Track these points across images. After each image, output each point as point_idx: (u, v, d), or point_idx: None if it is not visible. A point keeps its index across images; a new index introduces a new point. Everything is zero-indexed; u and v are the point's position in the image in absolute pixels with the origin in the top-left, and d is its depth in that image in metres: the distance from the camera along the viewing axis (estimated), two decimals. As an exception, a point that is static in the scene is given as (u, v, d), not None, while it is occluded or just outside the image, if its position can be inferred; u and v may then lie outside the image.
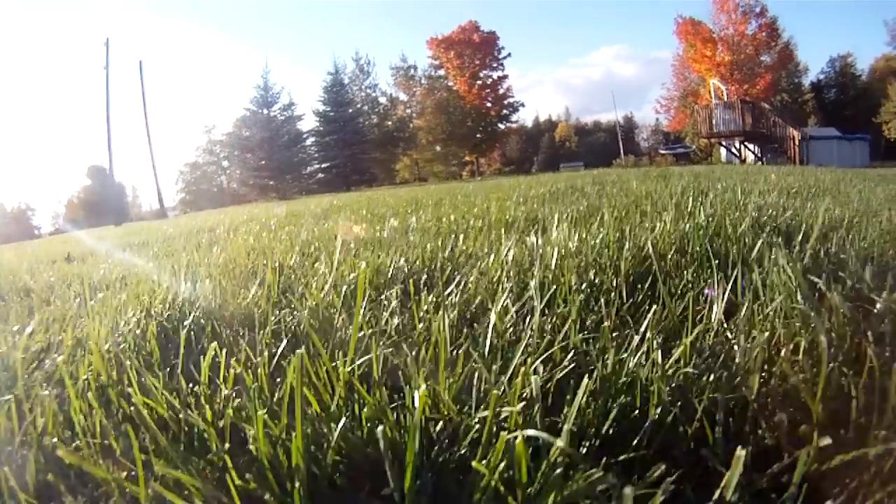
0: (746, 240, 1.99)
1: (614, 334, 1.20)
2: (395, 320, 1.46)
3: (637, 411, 0.95)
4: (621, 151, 50.48)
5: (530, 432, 0.74)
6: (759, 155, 22.09)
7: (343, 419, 0.87)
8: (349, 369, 1.01)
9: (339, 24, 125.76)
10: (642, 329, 1.14)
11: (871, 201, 3.65)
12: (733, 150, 24.03)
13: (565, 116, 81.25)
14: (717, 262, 1.64)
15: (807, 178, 6.18)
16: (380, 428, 0.79)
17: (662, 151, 36.81)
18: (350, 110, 26.86)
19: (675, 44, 36.08)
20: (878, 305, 1.12)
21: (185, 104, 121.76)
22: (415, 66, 38.77)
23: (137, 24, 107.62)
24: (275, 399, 1.01)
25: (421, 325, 1.39)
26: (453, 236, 2.74)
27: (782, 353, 1.06)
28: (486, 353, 1.15)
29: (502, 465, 0.75)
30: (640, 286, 1.65)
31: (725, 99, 25.21)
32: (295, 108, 24.37)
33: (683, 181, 5.90)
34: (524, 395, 0.92)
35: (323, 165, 25.42)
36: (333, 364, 1.04)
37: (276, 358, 1.23)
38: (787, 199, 3.75)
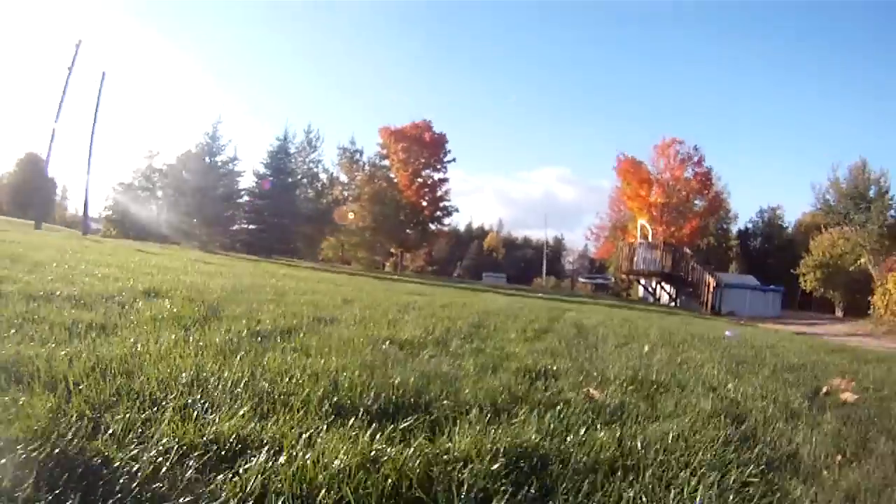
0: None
1: None
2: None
3: None
4: (544, 272, 52.48)
5: None
6: (674, 296, 23.25)
7: None
8: None
9: (300, 87, 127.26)
10: None
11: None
12: (650, 288, 25.45)
13: (498, 227, 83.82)
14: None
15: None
16: None
17: (582, 280, 38.42)
18: (290, 180, 26.97)
19: (614, 178, 37.46)
20: None
21: (134, 122, 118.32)
22: (361, 150, 39.43)
23: (109, 27, 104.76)
24: None
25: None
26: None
27: None
28: None
29: None
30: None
31: (650, 239, 26.71)
32: (237, 164, 24.43)
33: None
34: None
35: (250, 227, 25.17)
36: None
37: None
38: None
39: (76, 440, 1.71)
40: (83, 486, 1.51)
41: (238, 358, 2.77)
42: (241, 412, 2.02)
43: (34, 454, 1.59)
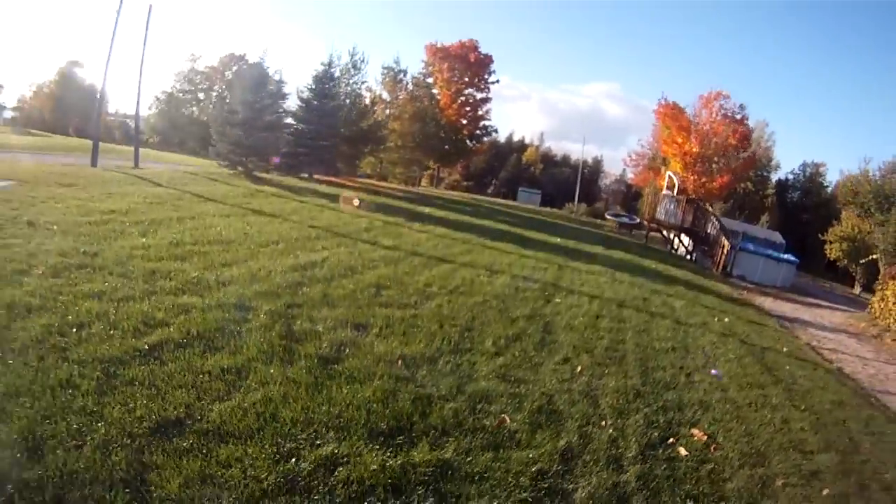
0: None
1: None
2: None
3: None
4: (576, 197, 52.83)
5: None
6: (691, 249, 23.99)
7: None
8: None
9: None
10: None
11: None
12: (670, 237, 26.38)
13: (539, 140, 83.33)
14: None
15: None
16: None
17: (609, 216, 38.89)
18: (333, 104, 27.77)
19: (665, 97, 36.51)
20: None
21: (175, 27, 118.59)
22: (405, 70, 39.62)
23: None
24: None
25: None
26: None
27: None
28: None
29: None
30: None
31: (675, 192, 27.36)
32: (286, 99, 25.28)
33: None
34: None
35: (297, 150, 26.34)
36: None
37: None
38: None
39: None
40: None
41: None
42: None
43: None
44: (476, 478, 3.55)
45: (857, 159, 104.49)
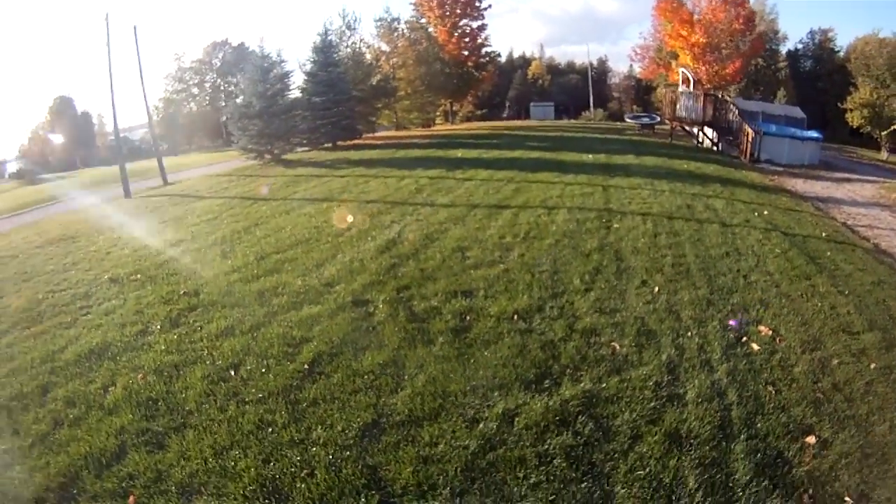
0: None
1: None
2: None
3: None
4: (591, 104, 52.52)
5: None
6: (716, 141, 24.23)
7: None
8: None
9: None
10: None
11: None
12: (693, 132, 26.64)
13: (539, 53, 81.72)
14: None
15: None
16: None
17: (629, 119, 38.82)
18: (338, 69, 28.08)
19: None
20: None
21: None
22: (398, 18, 39.53)
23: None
24: None
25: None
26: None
27: None
28: None
29: None
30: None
31: (691, 87, 27.28)
32: (291, 78, 25.66)
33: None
34: None
35: (315, 123, 26.94)
36: None
37: None
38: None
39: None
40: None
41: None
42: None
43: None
44: (614, 399, 4.53)
45: (864, 24, 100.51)
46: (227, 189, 16.80)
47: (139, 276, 8.17)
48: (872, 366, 5.27)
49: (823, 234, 10.36)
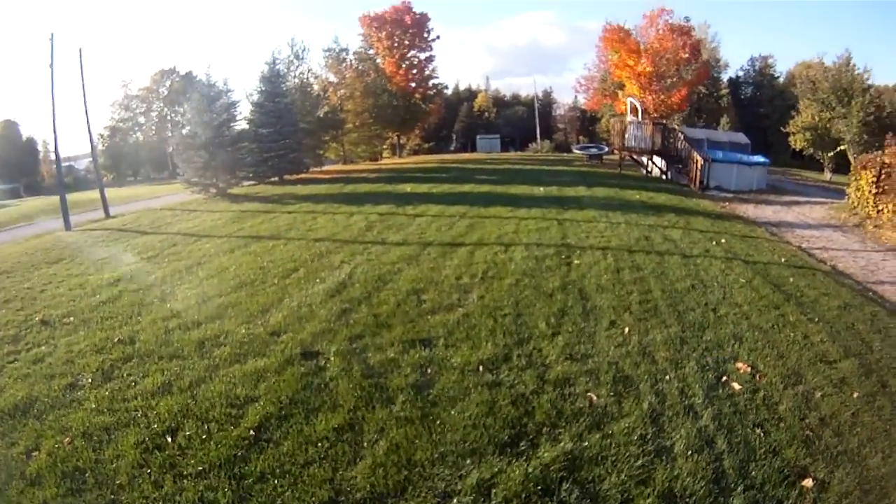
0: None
1: None
2: None
3: None
4: (538, 136, 53.19)
5: None
6: (665, 169, 24.62)
7: None
8: None
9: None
10: None
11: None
12: (642, 161, 26.90)
13: (485, 85, 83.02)
14: None
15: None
16: None
17: (577, 150, 39.26)
18: (286, 100, 27.45)
19: (600, 17, 36.77)
20: None
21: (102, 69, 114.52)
22: (346, 49, 39.14)
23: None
24: None
25: None
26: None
27: None
28: None
29: None
30: None
31: (640, 117, 27.79)
32: (238, 108, 24.82)
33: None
34: None
35: (261, 156, 26.15)
36: None
37: None
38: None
39: None
40: None
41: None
42: None
43: None
44: (598, 459, 4.10)
45: (805, 47, 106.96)
46: (171, 224, 16.05)
47: (72, 319, 7.60)
48: (855, 395, 5.18)
49: (783, 260, 10.40)
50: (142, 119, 63.18)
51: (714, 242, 11.54)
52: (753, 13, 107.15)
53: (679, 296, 7.97)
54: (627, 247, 10.86)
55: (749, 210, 17.23)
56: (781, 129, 38.21)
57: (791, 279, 8.99)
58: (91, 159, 56.12)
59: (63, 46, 32.98)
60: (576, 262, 9.60)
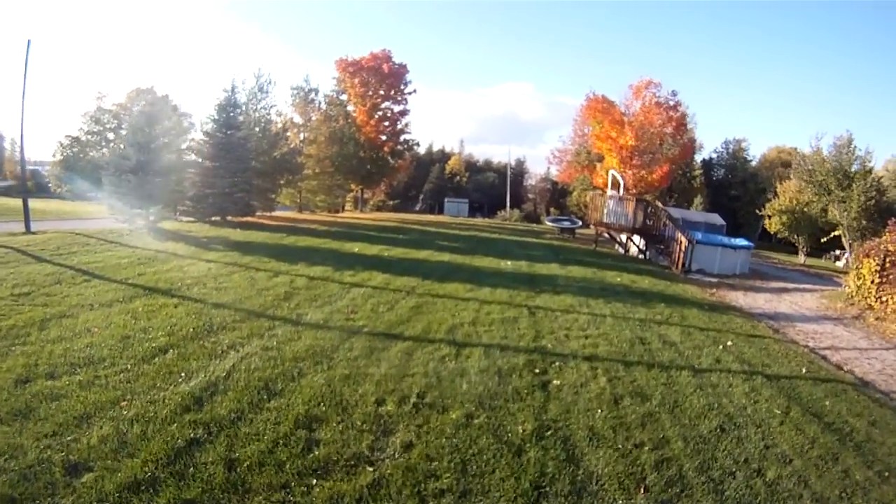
0: None
1: None
2: None
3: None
4: (508, 204, 51.42)
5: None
6: (643, 249, 22.78)
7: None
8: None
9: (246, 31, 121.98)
10: None
11: None
12: (619, 238, 24.82)
13: (459, 148, 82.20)
14: None
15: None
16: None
17: (549, 223, 37.19)
18: (239, 134, 24.75)
19: (579, 95, 35.49)
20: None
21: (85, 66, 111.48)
22: (316, 89, 36.78)
23: None
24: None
25: None
26: None
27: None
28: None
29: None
30: None
31: (621, 191, 25.77)
32: (188, 134, 22.14)
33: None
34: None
35: (205, 191, 23.22)
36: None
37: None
38: None
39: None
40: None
41: None
42: None
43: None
44: None
45: (775, 132, 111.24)
46: (74, 254, 13.40)
47: None
48: None
49: (803, 371, 8.59)
50: (110, 135, 59.02)
51: (721, 347, 9.37)
52: (727, 95, 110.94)
53: (707, 447, 5.41)
54: (621, 355, 8.30)
55: (740, 298, 15.63)
56: (757, 210, 37.84)
57: (827, 402, 7.14)
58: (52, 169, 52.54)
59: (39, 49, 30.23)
60: (555, 381, 6.81)
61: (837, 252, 37.37)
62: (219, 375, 6.07)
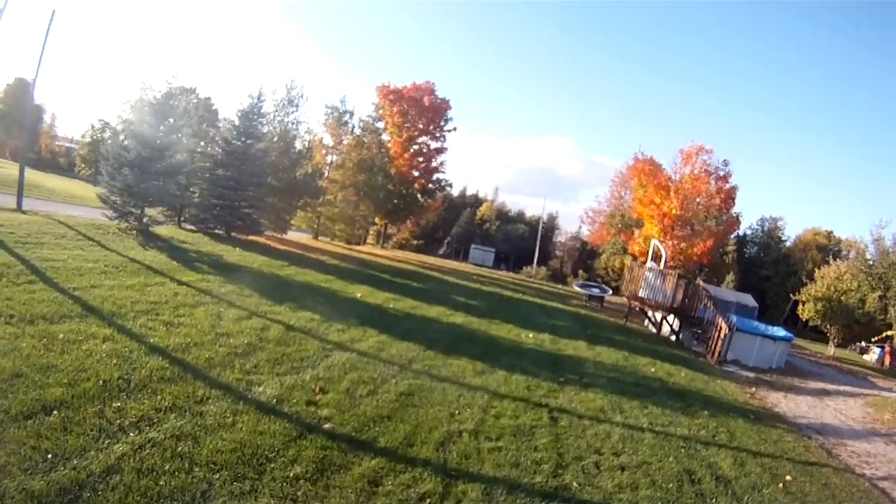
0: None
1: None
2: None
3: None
4: (535, 260, 49.13)
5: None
6: (676, 330, 20.37)
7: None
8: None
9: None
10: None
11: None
12: (653, 317, 22.34)
13: (493, 195, 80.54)
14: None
15: None
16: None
17: (577, 287, 34.32)
18: (260, 145, 23.01)
19: (619, 160, 33.50)
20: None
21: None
22: (351, 112, 34.84)
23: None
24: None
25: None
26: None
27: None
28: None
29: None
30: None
31: (662, 265, 23.36)
32: (202, 135, 20.48)
33: None
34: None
35: (208, 201, 21.44)
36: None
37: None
38: None
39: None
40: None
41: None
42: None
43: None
44: None
45: (809, 214, 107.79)
46: (41, 246, 12.10)
47: None
48: None
49: None
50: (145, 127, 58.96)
51: (781, 485, 7.49)
52: (766, 170, 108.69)
53: None
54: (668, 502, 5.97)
55: (781, 402, 13.75)
56: (790, 294, 35.25)
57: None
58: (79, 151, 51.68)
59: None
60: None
61: (863, 343, 35.33)
62: (92, 471, 4.09)
